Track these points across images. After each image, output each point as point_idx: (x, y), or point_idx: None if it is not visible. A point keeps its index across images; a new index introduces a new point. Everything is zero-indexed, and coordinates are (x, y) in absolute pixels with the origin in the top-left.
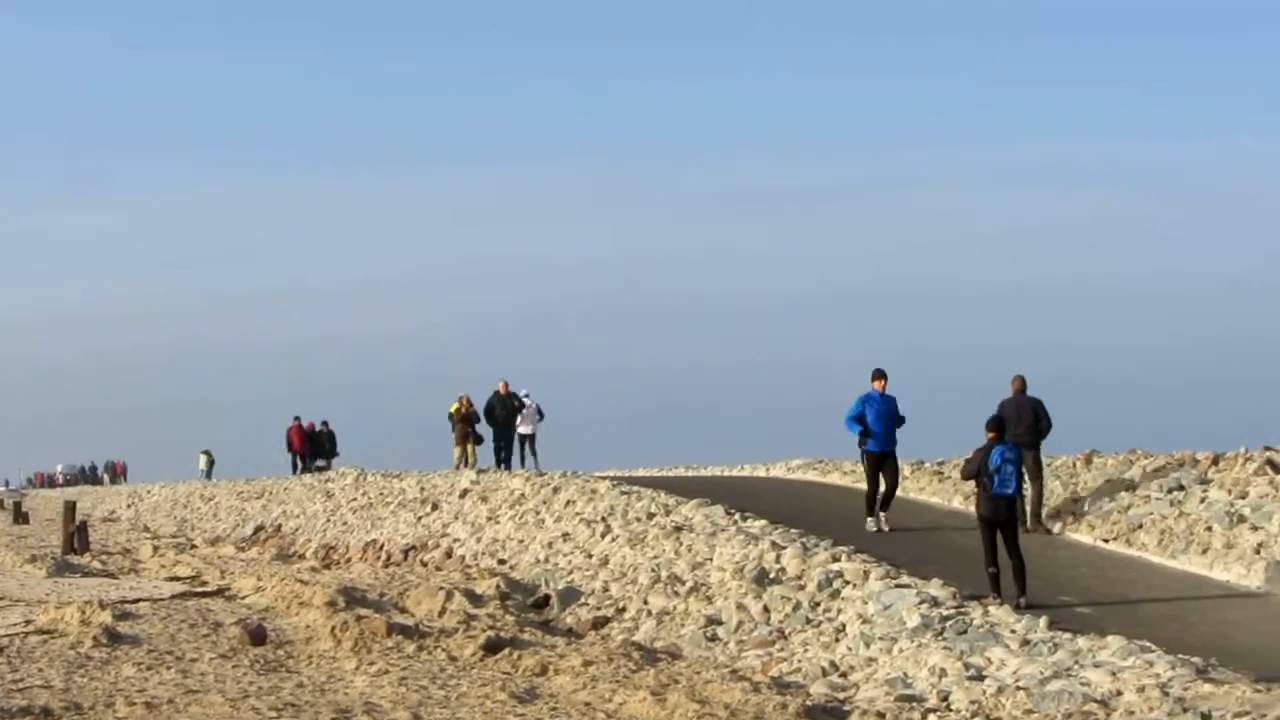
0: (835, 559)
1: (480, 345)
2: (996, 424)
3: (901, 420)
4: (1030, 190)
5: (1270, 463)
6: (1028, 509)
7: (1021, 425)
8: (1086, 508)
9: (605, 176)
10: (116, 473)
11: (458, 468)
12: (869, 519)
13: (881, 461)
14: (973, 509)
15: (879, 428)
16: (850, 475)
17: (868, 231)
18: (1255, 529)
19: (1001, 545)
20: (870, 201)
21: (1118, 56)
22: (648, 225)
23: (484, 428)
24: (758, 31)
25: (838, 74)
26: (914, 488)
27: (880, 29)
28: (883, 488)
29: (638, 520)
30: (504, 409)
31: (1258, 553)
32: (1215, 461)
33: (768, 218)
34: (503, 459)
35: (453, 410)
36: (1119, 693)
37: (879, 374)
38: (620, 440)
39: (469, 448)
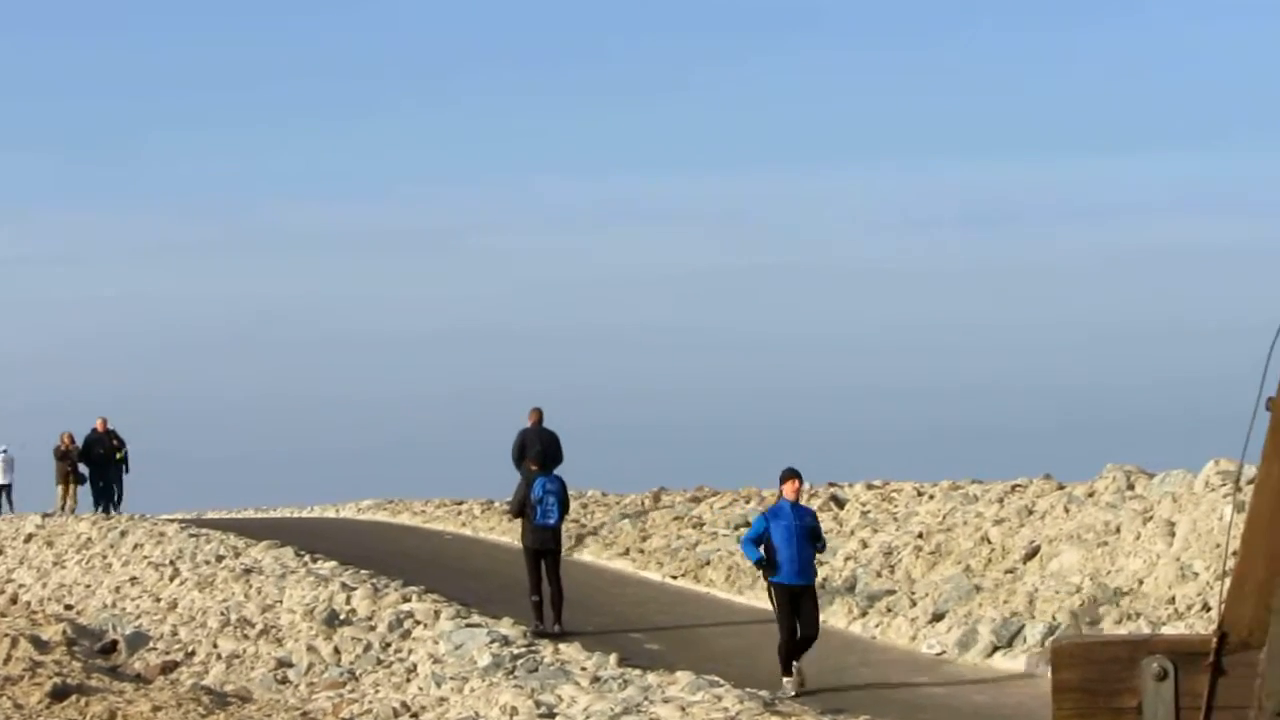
0: (406, 599)
1: (78, 379)
2: (539, 457)
3: (819, 542)
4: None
5: (834, 498)
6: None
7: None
8: (654, 545)
9: (218, 215)
10: None
11: (62, 509)
12: (785, 679)
13: (797, 598)
14: None
15: (790, 551)
16: (420, 515)
17: (486, 271)
18: (819, 564)
19: (544, 573)
20: (494, 240)
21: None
22: (238, 264)
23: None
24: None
25: (459, 106)
26: (484, 527)
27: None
28: (800, 631)
29: (207, 563)
30: (103, 447)
31: (821, 587)
32: None
33: (377, 258)
34: (102, 499)
35: (56, 447)
36: None
37: (790, 474)
38: (191, 482)
39: (70, 487)
